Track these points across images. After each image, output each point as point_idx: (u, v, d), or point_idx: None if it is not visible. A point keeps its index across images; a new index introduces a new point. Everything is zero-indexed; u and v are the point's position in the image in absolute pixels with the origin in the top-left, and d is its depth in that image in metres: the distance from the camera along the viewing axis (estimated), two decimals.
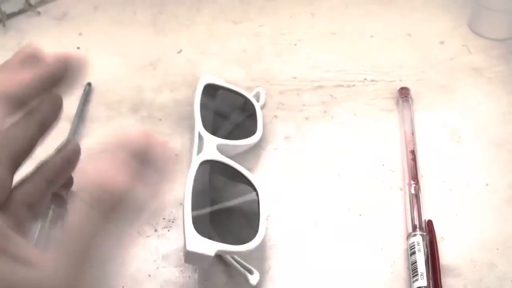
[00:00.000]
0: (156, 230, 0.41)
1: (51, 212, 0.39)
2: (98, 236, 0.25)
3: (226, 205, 0.39)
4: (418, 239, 0.38)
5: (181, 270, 0.38)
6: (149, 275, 0.38)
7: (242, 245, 0.36)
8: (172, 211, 0.42)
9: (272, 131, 0.48)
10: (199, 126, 0.43)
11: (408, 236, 0.39)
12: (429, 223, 0.39)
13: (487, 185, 0.43)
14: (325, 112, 0.49)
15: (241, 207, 0.40)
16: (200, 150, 0.41)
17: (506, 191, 0.42)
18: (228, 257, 0.38)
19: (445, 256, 0.38)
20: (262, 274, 0.38)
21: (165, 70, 0.54)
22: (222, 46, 0.57)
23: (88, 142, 0.47)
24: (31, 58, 0.29)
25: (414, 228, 0.39)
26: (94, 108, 0.51)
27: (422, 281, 0.36)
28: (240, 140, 0.44)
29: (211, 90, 0.47)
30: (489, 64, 0.53)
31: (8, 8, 0.61)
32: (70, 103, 0.50)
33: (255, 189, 0.40)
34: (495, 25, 0.55)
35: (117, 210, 0.25)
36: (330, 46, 0.56)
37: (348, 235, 0.40)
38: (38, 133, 0.28)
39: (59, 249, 0.25)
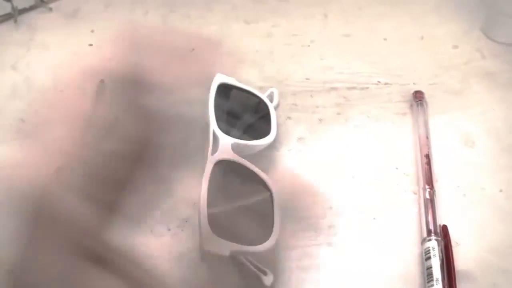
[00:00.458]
0: (169, 229, 0.40)
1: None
2: None
3: (241, 205, 0.39)
4: (433, 244, 0.38)
5: (194, 270, 0.38)
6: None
7: (257, 246, 0.36)
8: (185, 211, 0.41)
9: (286, 132, 0.47)
10: (214, 126, 0.43)
11: (423, 241, 0.39)
12: (444, 228, 0.39)
13: (501, 191, 0.43)
14: (339, 114, 0.49)
15: (255, 207, 0.40)
16: (215, 149, 0.41)
17: None
18: (242, 258, 0.38)
19: (460, 262, 0.38)
20: (276, 276, 0.37)
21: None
22: (234, 46, 0.57)
23: None
24: None
25: (429, 233, 0.39)
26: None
27: (438, 286, 0.35)
28: (255, 141, 0.44)
29: (225, 90, 0.47)
30: (503, 69, 0.53)
31: (20, 4, 0.61)
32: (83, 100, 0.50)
33: (269, 190, 0.40)
34: (508, 30, 0.55)
35: None
36: (343, 48, 0.56)
37: (362, 239, 0.40)
38: None
39: None
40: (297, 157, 0.46)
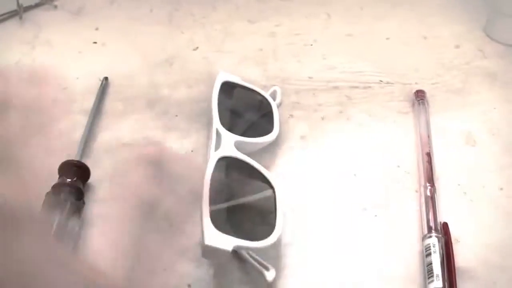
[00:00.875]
0: (172, 225, 0.41)
1: (68, 204, 0.39)
2: None
3: (243, 201, 0.40)
4: (433, 241, 0.38)
5: (197, 265, 0.38)
6: (165, 269, 0.38)
7: (259, 241, 0.36)
8: (188, 206, 0.42)
9: (288, 130, 0.48)
10: (217, 123, 0.43)
11: (424, 237, 0.39)
12: (445, 225, 0.39)
13: (501, 189, 0.43)
14: (341, 112, 0.49)
15: (258, 203, 0.40)
16: (217, 146, 0.42)
17: None
18: (244, 253, 0.38)
19: (460, 259, 0.38)
20: (278, 272, 0.38)
21: (181, 67, 0.55)
22: (238, 45, 0.57)
23: (104, 136, 0.47)
24: None
25: (429, 230, 0.39)
26: (111, 102, 0.51)
27: (438, 282, 0.36)
28: (258, 138, 0.44)
29: (228, 88, 0.48)
30: (505, 69, 0.53)
31: (25, 1, 0.61)
32: (87, 97, 0.50)
33: (272, 186, 0.40)
34: (510, 31, 0.56)
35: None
36: (345, 47, 0.56)
37: (363, 236, 0.40)
38: None
39: None
40: (299, 154, 0.46)
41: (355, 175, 0.44)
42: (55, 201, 0.39)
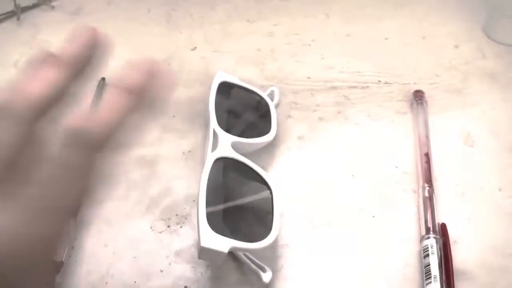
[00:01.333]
0: (168, 226, 0.41)
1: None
2: None
3: (240, 203, 0.39)
4: (431, 242, 0.38)
5: (193, 267, 0.38)
6: (161, 271, 0.38)
7: (256, 243, 0.36)
8: (185, 207, 0.42)
9: (286, 130, 0.48)
10: (214, 124, 0.43)
11: (422, 238, 0.39)
12: (443, 226, 0.39)
13: (500, 190, 0.43)
14: (339, 113, 0.49)
15: (255, 204, 0.40)
16: (214, 147, 0.41)
17: None
18: (241, 255, 0.38)
19: (458, 260, 0.38)
20: (274, 273, 0.38)
21: (179, 67, 0.54)
22: (236, 45, 0.57)
23: None
24: (51, 57, 0.28)
25: (427, 230, 0.39)
26: None
27: (436, 283, 0.35)
28: (255, 139, 0.44)
29: (226, 88, 0.47)
30: (504, 69, 0.53)
31: (23, 2, 0.61)
32: (84, 98, 0.50)
33: (269, 187, 0.40)
34: (510, 31, 0.55)
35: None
36: (344, 47, 0.56)
37: (361, 236, 0.40)
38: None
39: None
40: (297, 155, 0.46)
41: (353, 175, 0.44)
42: None
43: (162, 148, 0.46)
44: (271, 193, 0.40)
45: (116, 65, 0.55)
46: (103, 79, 0.52)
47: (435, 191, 0.42)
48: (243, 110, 0.47)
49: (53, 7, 0.62)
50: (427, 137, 0.45)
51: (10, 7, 0.60)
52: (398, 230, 0.40)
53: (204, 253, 0.35)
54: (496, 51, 0.55)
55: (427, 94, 0.50)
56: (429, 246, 0.38)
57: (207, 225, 0.35)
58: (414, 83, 0.52)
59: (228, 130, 0.43)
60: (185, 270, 0.38)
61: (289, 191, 0.43)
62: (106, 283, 0.37)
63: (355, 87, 0.52)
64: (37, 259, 0.26)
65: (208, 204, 0.36)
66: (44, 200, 0.26)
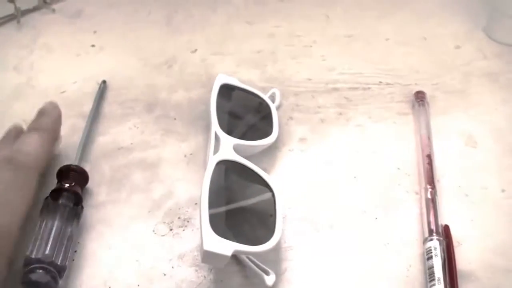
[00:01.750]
0: (171, 229, 0.40)
1: (67, 209, 0.39)
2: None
3: (242, 205, 0.39)
4: (435, 244, 0.38)
5: (196, 270, 0.38)
6: (164, 274, 0.38)
7: (259, 246, 0.36)
8: (187, 211, 0.41)
9: (288, 132, 0.47)
10: (215, 126, 0.43)
11: (425, 240, 0.39)
12: (446, 228, 0.39)
13: (503, 191, 0.43)
14: (341, 114, 0.49)
15: (257, 207, 0.40)
16: (216, 150, 0.41)
17: None
18: (244, 258, 0.38)
19: (462, 262, 0.38)
20: (278, 276, 0.37)
21: (180, 70, 0.54)
22: (237, 47, 0.57)
23: (103, 140, 0.47)
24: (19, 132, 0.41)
25: (430, 232, 0.39)
26: (109, 106, 0.50)
27: (439, 286, 0.35)
28: (257, 141, 0.44)
29: (227, 91, 0.47)
30: (505, 70, 0.53)
31: (23, 5, 0.61)
32: (85, 100, 0.50)
33: (271, 190, 0.40)
34: (511, 31, 0.55)
35: None
36: (345, 49, 0.56)
37: (364, 238, 0.40)
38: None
39: None
40: (299, 157, 0.46)
41: (355, 177, 0.44)
42: (54, 206, 0.38)
43: (163, 151, 0.46)
44: (273, 195, 0.40)
45: (116, 66, 0.55)
46: (104, 82, 0.52)
47: (437, 193, 0.42)
48: (245, 113, 0.47)
49: (53, 10, 0.62)
50: (429, 138, 0.45)
51: (10, 10, 0.60)
52: (401, 232, 0.40)
53: (207, 257, 0.34)
54: (496, 51, 0.55)
55: (428, 95, 0.49)
56: (433, 248, 0.37)
57: (210, 229, 0.35)
58: (416, 84, 0.52)
59: (229, 132, 0.43)
60: (188, 273, 0.38)
61: (292, 193, 0.43)
62: (109, 286, 0.37)
63: (356, 88, 0.52)
64: None
65: (210, 207, 0.36)
66: None
